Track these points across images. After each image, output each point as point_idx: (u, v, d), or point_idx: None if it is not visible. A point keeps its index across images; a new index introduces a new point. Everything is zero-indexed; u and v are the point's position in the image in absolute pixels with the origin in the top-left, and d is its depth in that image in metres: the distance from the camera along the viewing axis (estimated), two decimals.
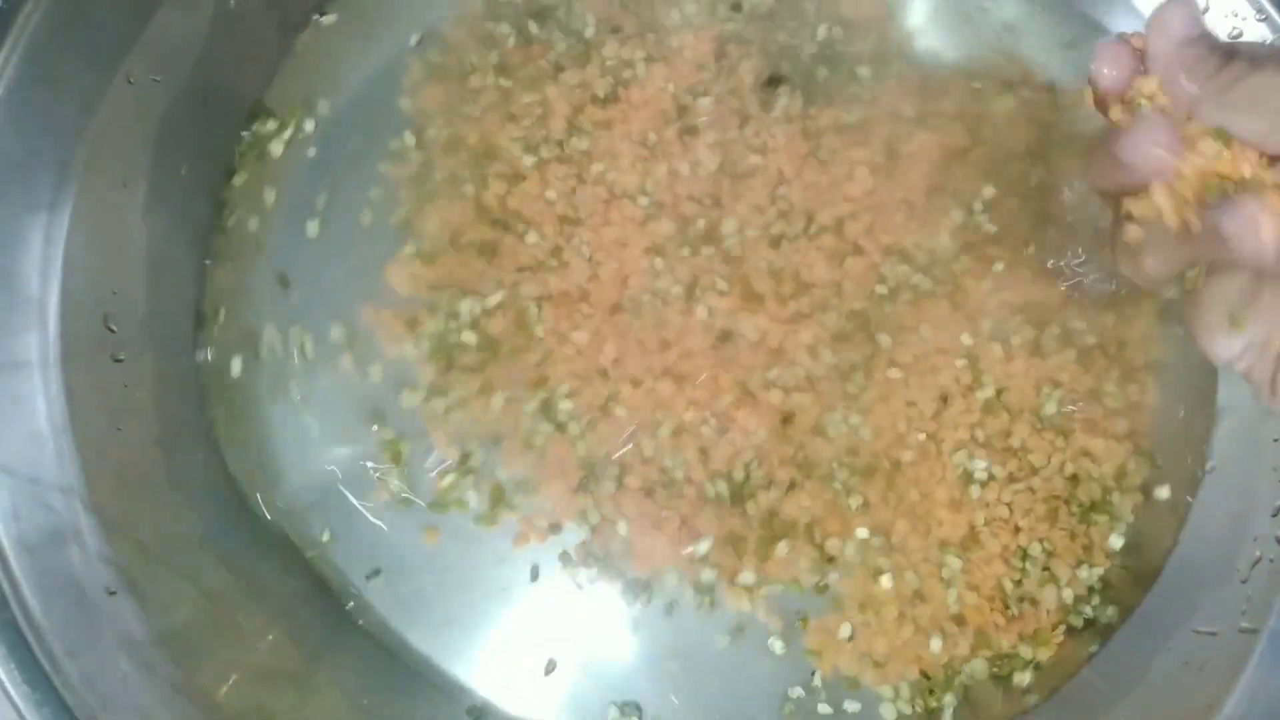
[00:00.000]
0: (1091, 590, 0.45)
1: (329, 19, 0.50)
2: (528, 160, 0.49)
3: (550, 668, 0.44)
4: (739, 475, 0.45)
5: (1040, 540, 0.45)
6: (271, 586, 0.41)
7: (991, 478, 0.45)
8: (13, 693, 0.31)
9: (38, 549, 0.33)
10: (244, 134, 0.47)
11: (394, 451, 0.45)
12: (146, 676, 0.33)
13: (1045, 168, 0.49)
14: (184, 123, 0.44)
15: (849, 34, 0.53)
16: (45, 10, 0.38)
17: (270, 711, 0.37)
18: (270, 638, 0.39)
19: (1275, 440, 0.44)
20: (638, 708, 0.43)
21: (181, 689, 0.34)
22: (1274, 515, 0.43)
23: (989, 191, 0.50)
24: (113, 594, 0.35)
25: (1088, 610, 0.45)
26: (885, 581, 0.44)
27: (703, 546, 0.45)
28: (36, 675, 0.31)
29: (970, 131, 0.51)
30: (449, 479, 0.45)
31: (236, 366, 0.45)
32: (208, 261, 0.46)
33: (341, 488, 0.44)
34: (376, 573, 0.43)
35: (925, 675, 0.44)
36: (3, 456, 0.34)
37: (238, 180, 0.47)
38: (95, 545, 0.35)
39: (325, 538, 0.44)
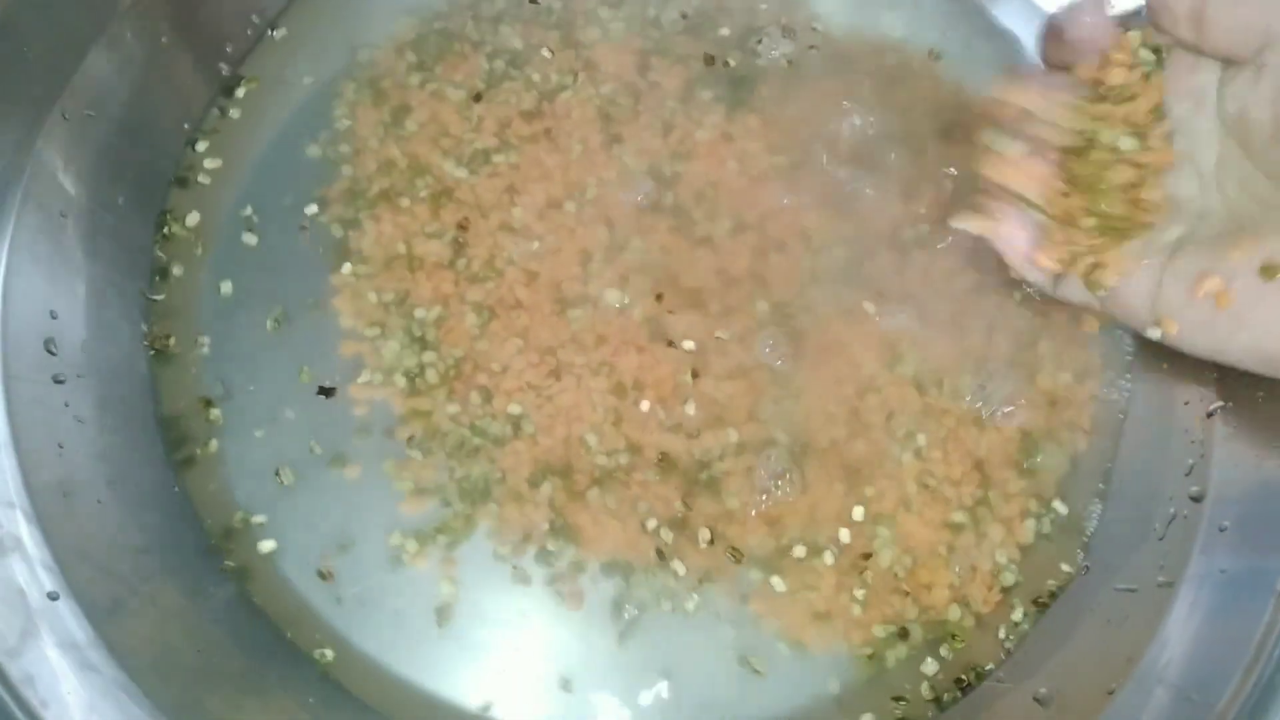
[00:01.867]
0: (1022, 554, 0.46)
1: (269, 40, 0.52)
2: (460, 174, 0.51)
3: (509, 670, 0.44)
4: (682, 463, 0.47)
5: (970, 508, 0.46)
6: (214, 593, 0.42)
7: (919, 450, 0.47)
8: None
9: None
10: (179, 160, 0.49)
11: (340, 463, 0.46)
12: (88, 676, 0.34)
13: (956, 151, 0.52)
14: (120, 154, 0.46)
15: (767, 41, 0.55)
16: None
17: (215, 708, 0.38)
18: (213, 642, 0.40)
19: (1186, 403, 0.46)
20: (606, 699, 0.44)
21: (124, 687, 0.35)
22: (1186, 474, 0.45)
23: (905, 180, 0.52)
24: (54, 599, 0.36)
25: (1019, 574, 0.46)
26: (824, 553, 0.46)
27: (653, 533, 0.46)
28: None
29: (885, 125, 0.53)
30: (404, 485, 0.46)
31: (182, 384, 0.47)
32: (147, 285, 0.47)
33: (288, 499, 0.45)
34: (325, 580, 0.44)
35: (868, 639, 0.45)
36: None
37: (175, 205, 0.49)
38: (37, 554, 0.36)
39: (269, 550, 0.45)
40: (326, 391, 0.46)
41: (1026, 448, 0.47)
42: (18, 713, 0.32)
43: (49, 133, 0.43)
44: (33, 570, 0.36)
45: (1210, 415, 0.45)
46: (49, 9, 0.43)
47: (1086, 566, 0.46)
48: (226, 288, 0.48)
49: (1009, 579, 0.46)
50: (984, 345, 0.49)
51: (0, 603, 0.34)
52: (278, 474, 0.45)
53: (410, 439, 0.47)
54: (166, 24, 0.47)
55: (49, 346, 0.41)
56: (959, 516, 0.46)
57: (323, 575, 0.44)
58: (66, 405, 0.41)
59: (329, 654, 0.43)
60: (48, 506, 0.37)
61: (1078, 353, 0.49)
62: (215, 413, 0.46)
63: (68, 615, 0.36)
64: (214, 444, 0.46)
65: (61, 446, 0.40)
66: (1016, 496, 0.47)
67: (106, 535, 0.39)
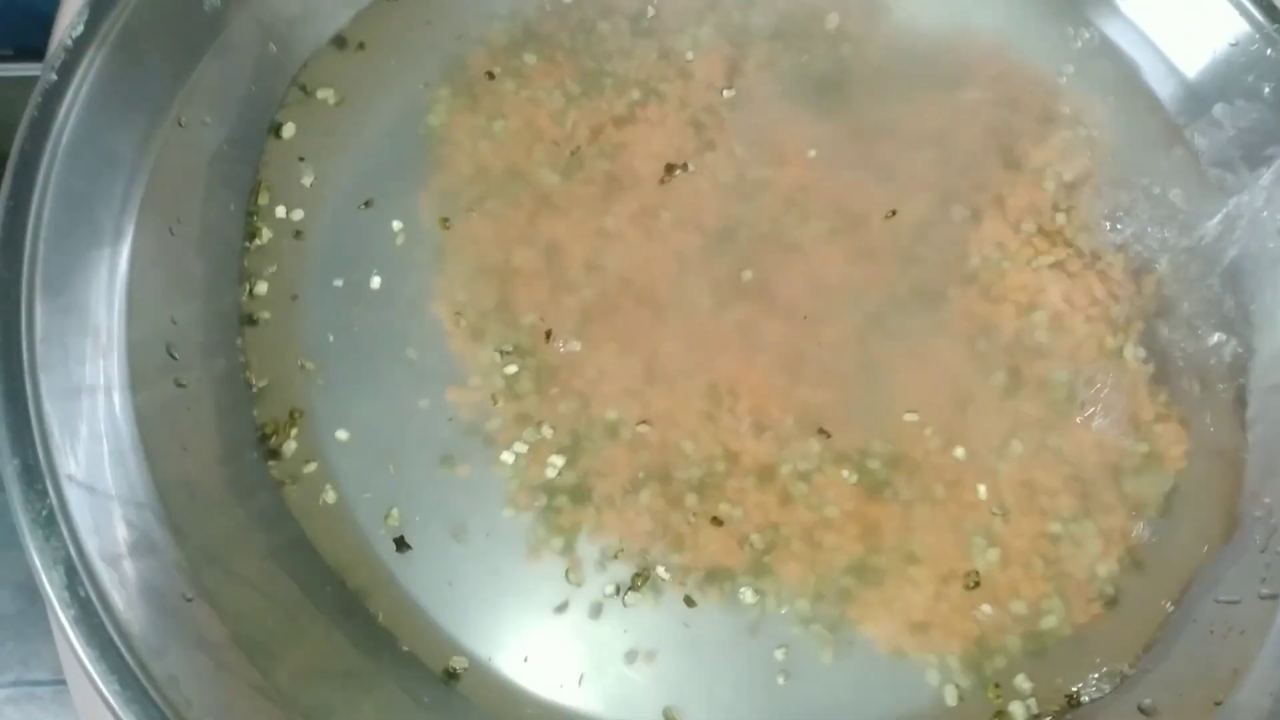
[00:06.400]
0: (1121, 566, 0.46)
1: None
2: (554, 180, 0.51)
3: (598, 668, 0.45)
4: (779, 471, 0.47)
5: (1068, 519, 0.47)
6: (333, 595, 0.42)
7: (1016, 459, 0.47)
8: (104, 690, 0.32)
9: (118, 560, 0.35)
10: (283, 166, 0.50)
11: (448, 464, 0.47)
12: (225, 676, 0.35)
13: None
14: (231, 162, 0.47)
15: (858, 49, 0.55)
16: (104, 58, 0.41)
17: (340, 708, 0.39)
18: (335, 642, 0.41)
19: None
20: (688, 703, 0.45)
21: (259, 688, 0.36)
22: None
23: (1001, 184, 0.52)
24: (189, 600, 0.37)
25: (1118, 584, 0.46)
26: (921, 562, 0.46)
27: (751, 541, 0.46)
28: (126, 675, 0.33)
29: (975, 137, 0.54)
30: (510, 489, 0.46)
31: (286, 396, 0.47)
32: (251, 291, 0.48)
33: (401, 503, 0.46)
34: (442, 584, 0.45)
35: (966, 649, 0.45)
36: (81, 475, 0.36)
37: (275, 210, 0.49)
38: (170, 555, 0.37)
39: (381, 555, 0.45)
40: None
41: (1125, 460, 0.47)
42: (166, 713, 0.33)
43: (166, 139, 0.43)
44: (167, 572, 0.37)
45: None
46: (165, 17, 0.44)
47: (1188, 580, 0.46)
48: (325, 292, 0.49)
49: (1109, 591, 0.46)
50: (1082, 356, 0.49)
51: (143, 603, 0.35)
52: (388, 473, 0.46)
53: (510, 444, 0.47)
54: (272, 31, 0.48)
55: (170, 351, 0.42)
56: (1056, 527, 0.47)
57: (438, 578, 0.44)
58: (188, 409, 0.41)
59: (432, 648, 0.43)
60: (177, 508, 0.38)
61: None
62: (317, 417, 0.46)
63: (203, 616, 0.36)
64: (316, 449, 0.46)
65: (185, 449, 0.40)
66: (1116, 508, 0.47)
67: (232, 538, 0.40)
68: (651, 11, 0.55)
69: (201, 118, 0.45)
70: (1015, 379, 0.49)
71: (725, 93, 0.54)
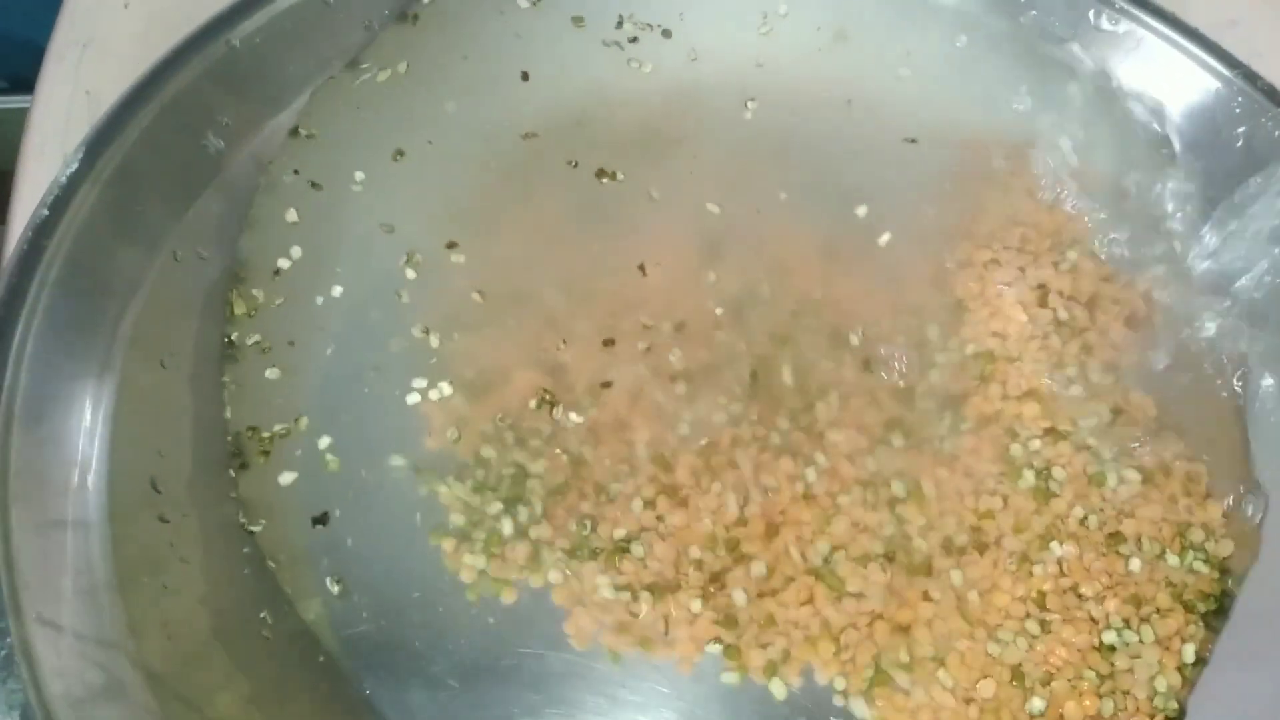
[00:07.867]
0: (1184, 678, 0.42)
1: None
2: (558, 300, 0.50)
3: None
4: (797, 577, 0.44)
5: (1120, 628, 0.43)
6: None
7: (1056, 567, 0.44)
8: None
9: (84, 704, 0.33)
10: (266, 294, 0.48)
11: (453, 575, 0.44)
12: None
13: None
14: (225, 295, 0.46)
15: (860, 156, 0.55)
16: (99, 195, 0.41)
17: None
18: None
19: None
20: None
21: None
22: None
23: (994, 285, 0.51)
24: None
25: (1183, 700, 0.42)
26: (949, 678, 0.42)
27: (766, 649, 0.43)
28: None
29: (982, 228, 0.53)
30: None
31: (279, 528, 0.45)
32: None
33: (398, 631, 0.43)
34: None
35: None
36: (50, 613, 0.34)
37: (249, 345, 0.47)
38: (141, 700, 0.34)
39: (371, 692, 0.42)
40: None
41: (1174, 554, 0.44)
42: None
43: (161, 272, 0.43)
44: (137, 718, 0.34)
45: None
46: (164, 157, 0.44)
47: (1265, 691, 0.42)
48: (315, 424, 0.46)
49: (1173, 707, 0.42)
50: (1110, 447, 0.46)
51: None
52: (384, 616, 0.43)
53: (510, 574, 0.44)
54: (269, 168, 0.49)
55: (155, 485, 0.40)
56: (1109, 637, 0.43)
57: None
58: (171, 545, 0.39)
59: None
60: (151, 650, 0.36)
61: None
62: (317, 560, 0.44)
63: None
64: (315, 591, 0.43)
65: (166, 588, 0.38)
66: (1172, 613, 0.43)
67: (210, 681, 0.37)
68: None
69: (198, 251, 0.45)
70: (1045, 477, 0.46)
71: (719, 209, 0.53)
